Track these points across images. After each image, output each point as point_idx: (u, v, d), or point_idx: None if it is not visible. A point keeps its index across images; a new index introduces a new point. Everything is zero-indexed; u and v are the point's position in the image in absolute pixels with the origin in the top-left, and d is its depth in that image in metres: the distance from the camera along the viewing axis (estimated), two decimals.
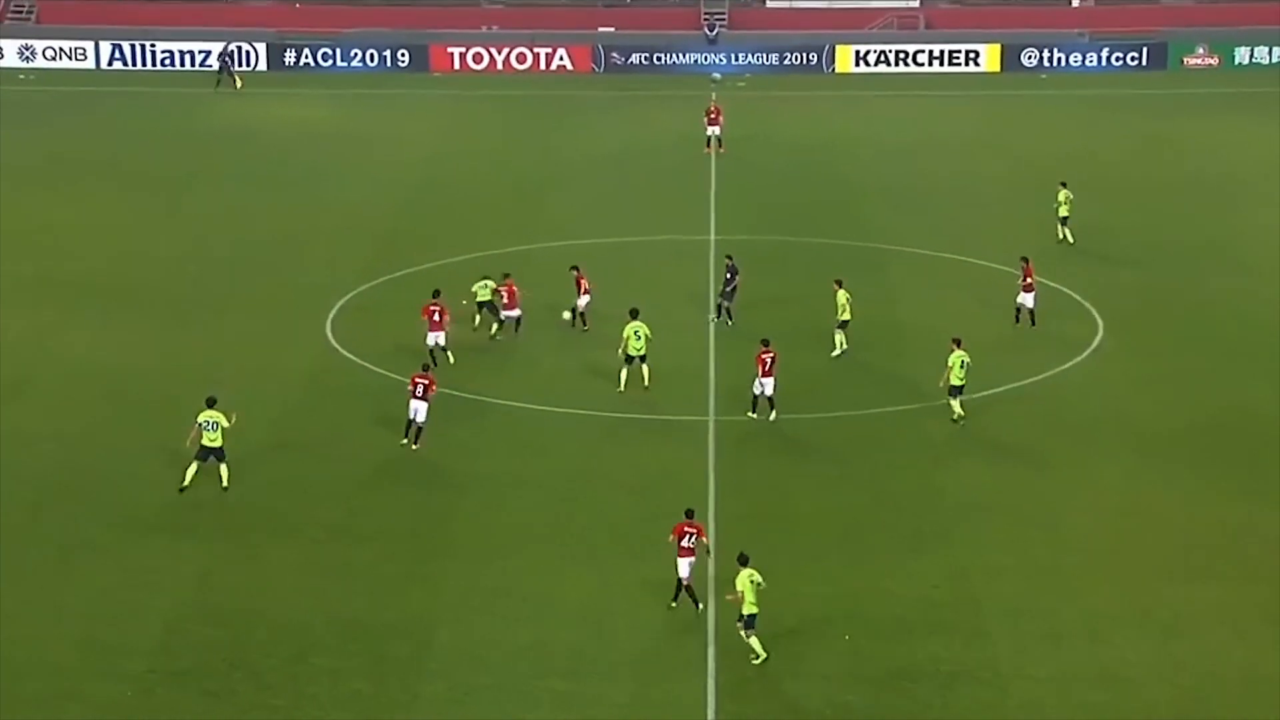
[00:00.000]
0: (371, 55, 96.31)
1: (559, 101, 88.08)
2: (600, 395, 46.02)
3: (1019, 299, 51.42)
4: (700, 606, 34.29)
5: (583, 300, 51.39)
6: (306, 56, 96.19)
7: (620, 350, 46.30)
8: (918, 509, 39.25)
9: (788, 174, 72.21)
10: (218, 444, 39.62)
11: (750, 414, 44.68)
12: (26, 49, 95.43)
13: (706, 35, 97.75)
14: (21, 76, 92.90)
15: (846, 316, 49.02)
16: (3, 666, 32.10)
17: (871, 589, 35.27)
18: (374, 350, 49.51)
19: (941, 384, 44.31)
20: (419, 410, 42.07)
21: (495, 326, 50.17)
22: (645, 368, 46.28)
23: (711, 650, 32.84)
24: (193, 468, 39.66)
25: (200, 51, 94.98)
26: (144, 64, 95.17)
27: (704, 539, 34.68)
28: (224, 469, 39.73)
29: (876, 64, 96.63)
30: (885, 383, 46.88)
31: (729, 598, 32.91)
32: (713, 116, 75.22)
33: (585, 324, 51.07)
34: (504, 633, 33.50)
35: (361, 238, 61.31)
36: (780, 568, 35.97)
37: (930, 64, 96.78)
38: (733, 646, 32.80)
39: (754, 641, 32.33)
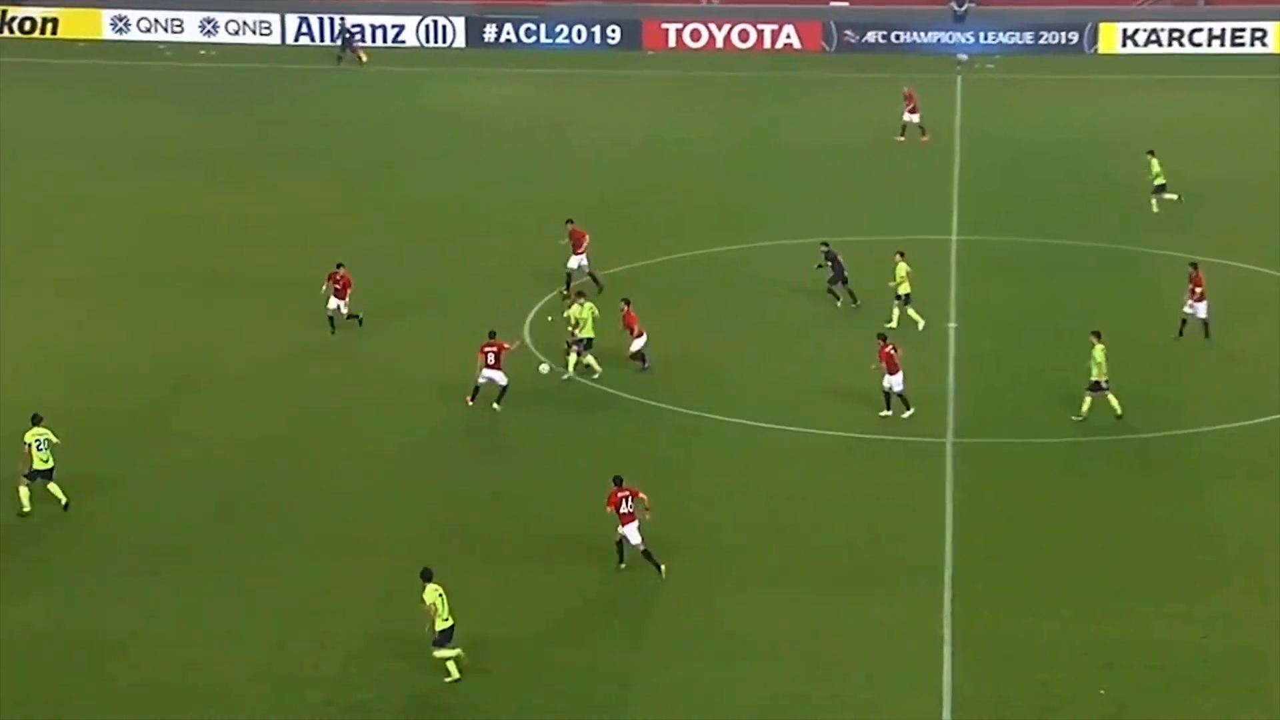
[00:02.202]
0: (579, 31, 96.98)
1: (785, 84, 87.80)
2: (827, 413, 45.77)
3: (1186, 308, 50.12)
4: (662, 568, 36.44)
5: (575, 261, 53.20)
6: (508, 33, 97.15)
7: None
8: (1188, 546, 38.39)
9: (1042, 168, 71.14)
10: (50, 465, 39.62)
11: (884, 412, 44.91)
12: (208, 23, 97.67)
13: (954, 11, 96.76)
14: (203, 53, 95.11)
15: (906, 289, 50.69)
16: (177, 693, 32.86)
17: (1132, 637, 34.57)
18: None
19: (1102, 380, 44.26)
20: (495, 377, 45.38)
21: (574, 360, 48.31)
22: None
23: (948, 700, 32.41)
24: (25, 491, 39.62)
25: (394, 26, 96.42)
26: (333, 40, 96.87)
27: (641, 497, 36.56)
28: (54, 487, 39.70)
29: (1146, 44, 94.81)
30: (1147, 403, 45.92)
31: (424, 610, 33.01)
32: (909, 102, 74.91)
33: (599, 282, 53.77)
34: (715, 673, 33.41)
35: (555, 232, 61.62)
36: (1025, 610, 35.50)
37: (1209, 44, 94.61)
38: (970, 699, 32.36)
39: (445, 654, 32.91)
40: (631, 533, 36.55)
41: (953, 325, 51.80)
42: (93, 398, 46.75)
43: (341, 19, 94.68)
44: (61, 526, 39.43)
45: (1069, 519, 39.86)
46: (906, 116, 74.91)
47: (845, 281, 53.15)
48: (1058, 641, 34.35)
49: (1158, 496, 40.97)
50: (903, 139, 74.38)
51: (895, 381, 44.96)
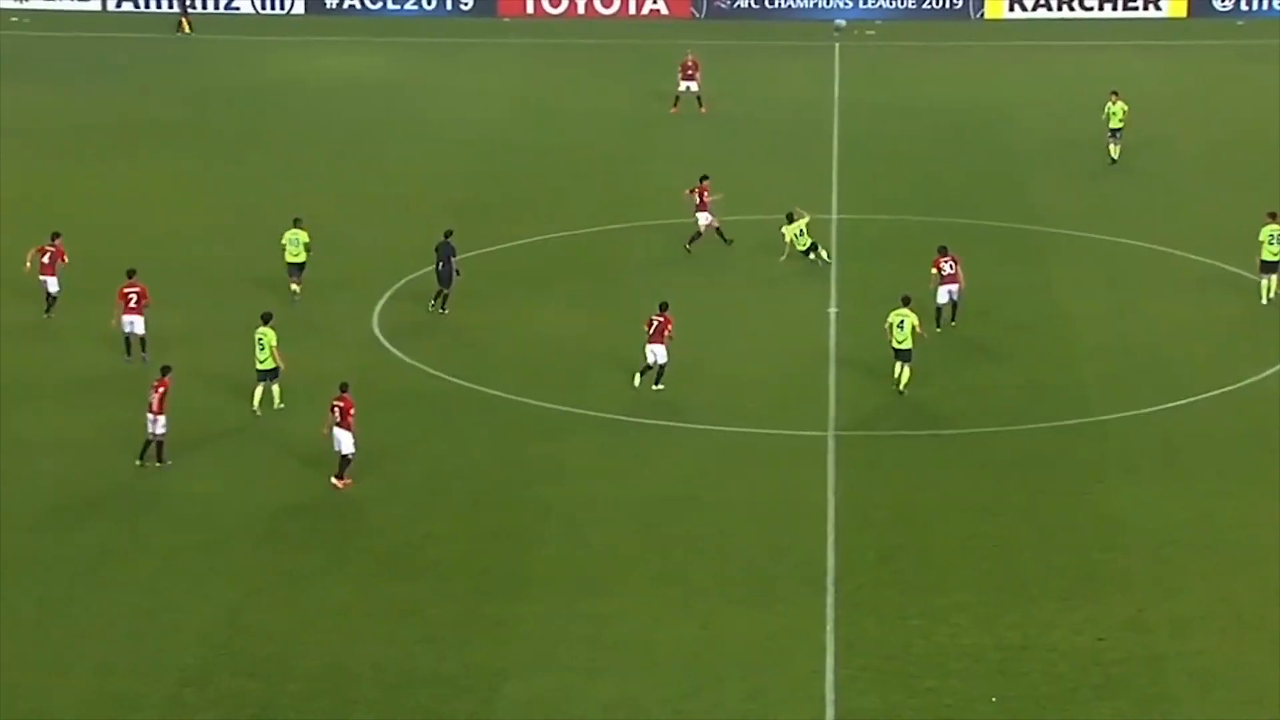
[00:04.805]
0: None
1: (652, 53, 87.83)
2: (704, 407, 45.94)
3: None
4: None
5: (703, 218, 56.64)
6: None
7: None
8: (1086, 544, 38.83)
9: (926, 142, 71.76)
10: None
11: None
12: None
13: None
14: (14, 19, 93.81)
15: (805, 244, 54.68)
16: None
17: (1026, 641, 34.87)
18: (430, 348, 49.62)
19: None
20: (342, 441, 40.96)
21: None
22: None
23: (831, 712, 32.63)
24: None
25: None
26: (158, 6, 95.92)
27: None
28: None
29: (1034, 9, 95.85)
30: (1046, 392, 46.47)
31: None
32: (689, 71, 75.36)
33: (726, 239, 57.35)
34: (585, 687, 33.49)
35: (418, 212, 61.29)
36: (915, 614, 35.82)
37: (1100, 8, 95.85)
38: (856, 709, 32.67)
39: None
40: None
41: (834, 310, 52.16)
42: None
43: None
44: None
45: (963, 516, 40.13)
46: (683, 85, 75.23)
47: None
48: (949, 647, 34.60)
49: (1058, 491, 41.36)
50: (676, 110, 74.73)
51: (658, 353, 46.16)
